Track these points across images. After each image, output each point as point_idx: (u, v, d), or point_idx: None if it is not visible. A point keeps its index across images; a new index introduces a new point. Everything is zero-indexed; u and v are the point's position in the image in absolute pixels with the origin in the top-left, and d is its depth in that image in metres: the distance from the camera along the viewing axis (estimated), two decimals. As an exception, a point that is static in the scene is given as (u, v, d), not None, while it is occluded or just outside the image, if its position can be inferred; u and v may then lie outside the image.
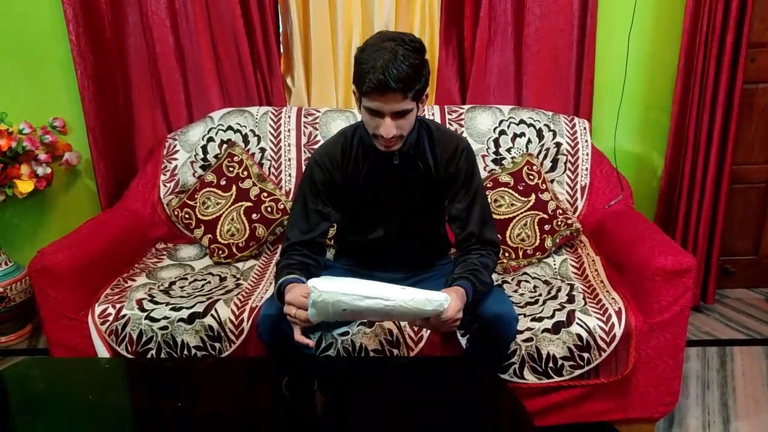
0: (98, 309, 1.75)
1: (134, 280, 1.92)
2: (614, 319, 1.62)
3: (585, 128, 2.18)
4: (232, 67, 2.25)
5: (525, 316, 1.65)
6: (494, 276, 1.92)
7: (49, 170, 2.24)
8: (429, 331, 1.60)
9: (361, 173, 1.48)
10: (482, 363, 1.48)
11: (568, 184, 2.15)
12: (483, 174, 2.11)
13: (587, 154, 2.16)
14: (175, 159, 2.22)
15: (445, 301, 1.23)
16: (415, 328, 1.63)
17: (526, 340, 1.61)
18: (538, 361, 1.62)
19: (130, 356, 1.73)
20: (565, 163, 2.15)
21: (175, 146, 2.23)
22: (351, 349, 1.64)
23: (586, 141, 2.16)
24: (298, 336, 1.28)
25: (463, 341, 1.60)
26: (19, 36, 2.25)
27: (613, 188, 2.13)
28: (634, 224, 1.89)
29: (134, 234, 2.10)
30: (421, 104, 1.37)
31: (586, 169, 2.15)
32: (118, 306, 1.75)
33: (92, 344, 1.74)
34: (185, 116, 2.32)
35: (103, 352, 1.74)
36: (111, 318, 1.73)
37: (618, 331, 1.60)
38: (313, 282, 1.23)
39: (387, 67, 1.22)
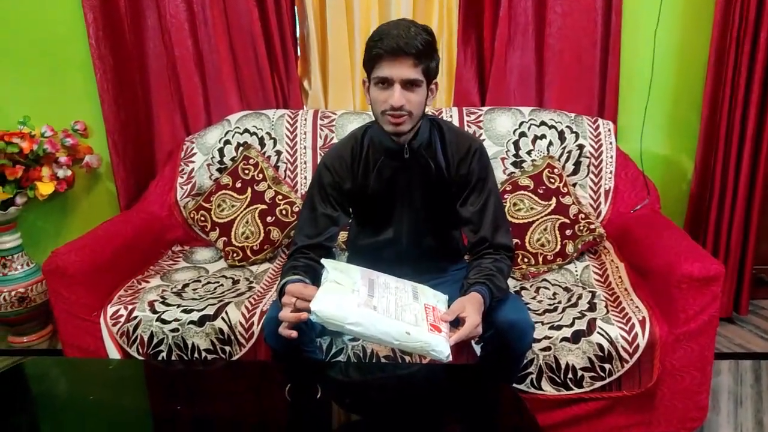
0: (110, 310, 1.75)
1: (148, 282, 1.92)
2: (638, 328, 1.54)
3: (609, 130, 2.10)
4: (249, 70, 2.25)
5: (543, 324, 1.59)
6: (512, 282, 1.86)
7: (69, 173, 2.27)
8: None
9: (370, 174, 1.45)
10: (496, 372, 1.42)
11: (591, 188, 2.07)
12: (502, 177, 2.06)
13: (611, 157, 2.08)
14: (192, 162, 2.22)
15: (447, 358, 1.16)
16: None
17: (544, 349, 1.54)
18: (556, 372, 1.55)
19: (141, 358, 1.72)
20: (588, 166, 2.07)
21: (192, 149, 2.24)
22: (362, 354, 1.60)
23: (611, 143, 2.08)
24: (285, 313, 1.20)
25: (477, 349, 1.54)
26: (41, 40, 2.29)
27: (639, 192, 2.05)
28: (661, 230, 1.81)
29: (150, 236, 2.10)
30: (430, 93, 1.35)
31: (611, 172, 2.07)
32: (130, 307, 1.75)
33: (104, 345, 1.74)
34: (204, 119, 2.32)
35: (114, 353, 1.74)
36: (123, 319, 1.73)
37: (642, 341, 1.52)
38: (315, 306, 1.15)
39: (401, 35, 1.25)
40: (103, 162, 2.39)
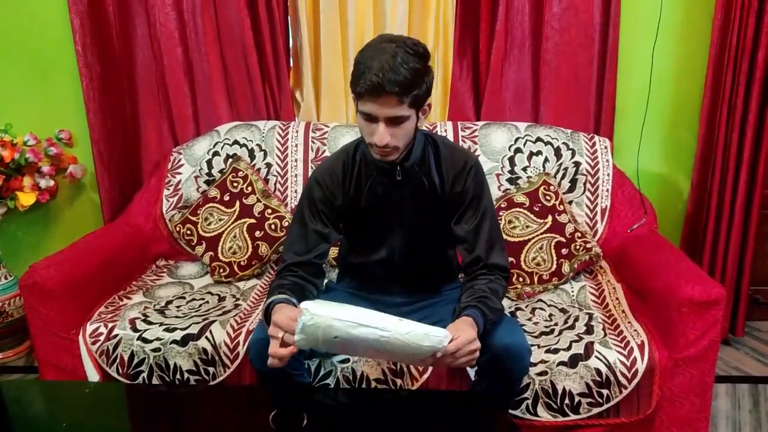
0: (90, 328, 1.68)
1: (130, 298, 1.85)
2: (636, 353, 1.49)
3: (606, 147, 2.07)
4: (240, 81, 2.20)
5: (539, 347, 1.54)
6: (507, 302, 1.81)
7: (52, 183, 2.20)
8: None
9: (362, 191, 1.40)
10: (491, 398, 1.36)
11: (587, 206, 2.04)
12: (497, 194, 2.02)
13: (608, 175, 2.04)
14: (180, 173, 2.16)
15: (445, 338, 1.12)
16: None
17: (540, 374, 1.49)
18: (553, 397, 1.50)
19: (120, 378, 1.65)
20: (585, 184, 2.04)
21: (179, 160, 2.18)
22: (351, 377, 1.54)
23: (607, 161, 2.05)
24: (274, 348, 1.14)
25: (472, 373, 1.49)
26: (26, 45, 2.23)
27: (636, 211, 2.01)
28: (659, 250, 1.77)
29: (133, 250, 2.04)
30: (422, 114, 1.28)
31: (607, 191, 2.04)
32: (110, 325, 1.68)
33: (82, 365, 1.66)
34: (192, 130, 2.27)
35: (93, 373, 1.66)
36: (102, 338, 1.66)
37: (640, 366, 1.48)
38: (305, 304, 1.12)
39: (383, 69, 1.15)
40: (87, 172, 2.32)
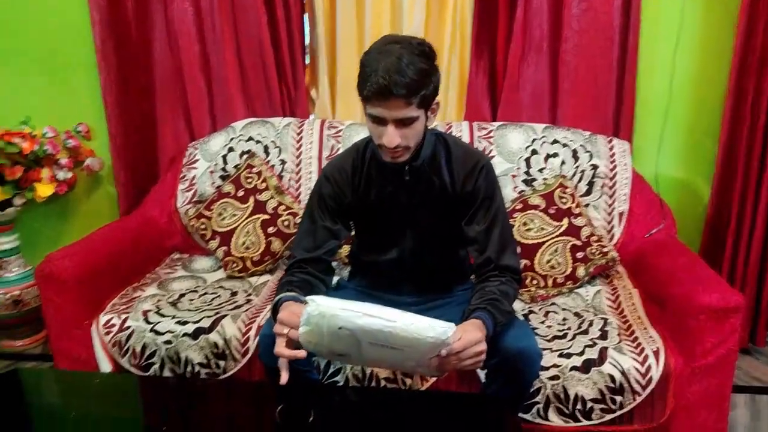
0: (103, 319, 1.69)
1: (144, 290, 1.86)
2: (651, 359, 1.46)
3: (625, 150, 2.04)
4: (256, 77, 2.21)
5: (552, 351, 1.52)
6: (520, 305, 1.79)
7: (70, 175, 2.22)
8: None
9: (372, 189, 1.39)
10: (501, 401, 1.34)
11: (604, 210, 2.00)
12: (512, 195, 1.99)
13: (627, 178, 2.01)
14: (195, 168, 2.17)
15: (449, 329, 1.10)
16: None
17: (552, 378, 1.47)
18: (564, 402, 1.47)
19: (133, 370, 1.66)
20: (602, 187, 2.01)
21: (195, 155, 2.19)
22: (361, 376, 1.53)
23: (626, 164, 2.01)
24: (279, 348, 1.15)
25: (482, 375, 1.47)
26: (47, 39, 2.26)
27: (655, 216, 1.98)
28: (677, 256, 1.74)
29: (148, 243, 2.05)
30: (431, 113, 1.28)
31: (625, 194, 2.00)
32: (123, 317, 1.69)
33: (95, 355, 1.68)
34: (208, 125, 2.28)
35: (105, 363, 1.68)
36: (115, 329, 1.67)
37: (655, 373, 1.45)
38: (311, 297, 1.12)
39: (389, 71, 1.14)
40: (105, 165, 2.35)
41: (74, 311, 1.69)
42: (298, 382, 1.36)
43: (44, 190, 2.13)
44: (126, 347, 1.66)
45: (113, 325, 1.68)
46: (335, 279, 1.58)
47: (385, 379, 1.53)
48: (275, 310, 1.23)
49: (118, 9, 2.13)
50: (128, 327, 1.66)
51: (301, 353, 1.15)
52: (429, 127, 1.34)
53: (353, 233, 1.53)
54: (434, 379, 1.51)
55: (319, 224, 1.39)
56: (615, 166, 2.02)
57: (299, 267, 1.36)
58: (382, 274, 1.49)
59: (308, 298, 1.12)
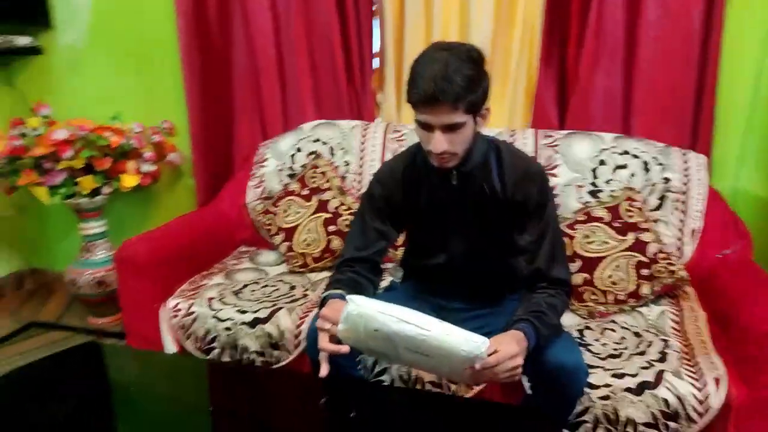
0: (171, 303, 1.81)
1: (211, 279, 1.97)
2: (711, 386, 1.38)
3: (701, 164, 1.92)
4: (326, 80, 2.28)
5: (605, 369, 1.47)
6: (576, 320, 1.74)
7: (154, 168, 2.40)
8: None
9: (421, 192, 1.40)
10: (543, 416, 1.32)
11: (675, 226, 1.90)
12: (575, 206, 1.94)
13: (701, 194, 1.90)
14: (265, 166, 2.28)
15: (483, 344, 1.10)
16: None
17: (602, 398, 1.42)
18: (614, 424, 1.42)
19: (195, 353, 1.77)
20: (674, 202, 1.91)
21: (266, 154, 2.30)
22: (407, 377, 1.55)
23: (700, 178, 1.90)
24: (322, 342, 1.19)
25: (528, 386, 1.44)
26: (136, 43, 2.46)
27: (730, 236, 1.85)
28: (750, 279, 1.63)
29: (219, 234, 2.18)
30: (480, 119, 1.27)
31: (699, 211, 1.89)
32: (190, 302, 1.80)
33: (161, 336, 1.80)
34: (281, 126, 2.38)
35: (170, 345, 1.80)
36: (182, 313, 1.79)
37: (714, 401, 1.36)
38: (352, 296, 1.16)
39: (436, 78, 1.15)
40: (185, 160, 2.51)
41: (146, 294, 1.82)
42: (341, 378, 1.40)
43: (129, 180, 2.31)
44: (190, 331, 1.77)
45: (180, 310, 1.79)
46: (388, 280, 1.60)
47: (430, 383, 1.54)
48: (322, 306, 1.27)
49: (202, 15, 2.26)
50: (193, 312, 1.78)
51: (344, 348, 1.19)
52: (481, 134, 1.34)
53: (405, 236, 1.55)
54: (482, 386, 1.50)
55: (369, 224, 1.42)
56: (689, 180, 1.91)
57: (348, 265, 1.40)
58: (432, 278, 1.51)
59: (348, 297, 1.15)
